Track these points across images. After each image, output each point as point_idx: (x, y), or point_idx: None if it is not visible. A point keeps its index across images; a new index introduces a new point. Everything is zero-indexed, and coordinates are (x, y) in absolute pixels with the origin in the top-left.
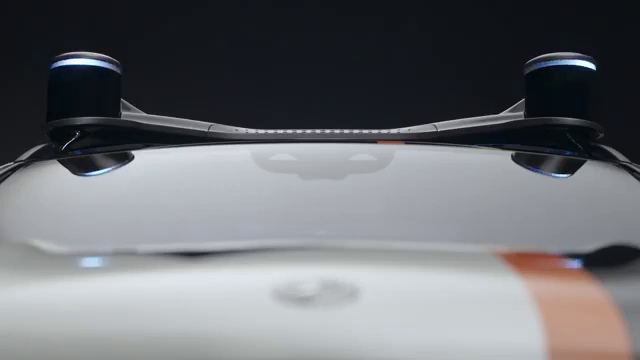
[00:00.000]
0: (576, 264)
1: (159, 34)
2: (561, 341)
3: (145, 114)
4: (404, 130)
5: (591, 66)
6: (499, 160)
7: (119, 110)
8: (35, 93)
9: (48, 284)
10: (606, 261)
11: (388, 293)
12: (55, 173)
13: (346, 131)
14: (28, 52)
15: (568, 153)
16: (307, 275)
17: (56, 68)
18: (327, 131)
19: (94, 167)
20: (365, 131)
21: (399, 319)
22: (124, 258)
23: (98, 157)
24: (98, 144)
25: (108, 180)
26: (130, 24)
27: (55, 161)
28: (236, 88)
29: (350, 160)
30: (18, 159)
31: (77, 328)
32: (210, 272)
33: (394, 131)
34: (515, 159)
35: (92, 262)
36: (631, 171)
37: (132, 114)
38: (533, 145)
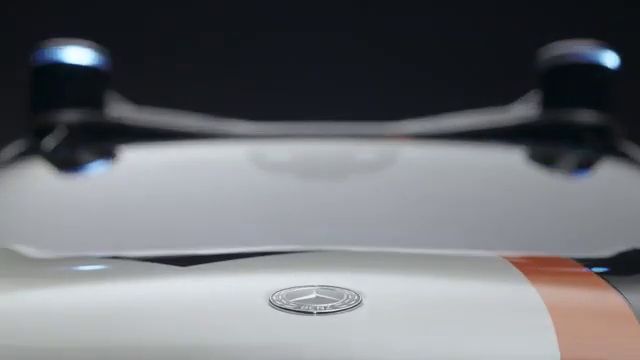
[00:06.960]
0: (594, 270)
1: (155, 27)
2: (577, 351)
3: (135, 108)
4: (413, 125)
5: (613, 59)
6: (512, 159)
7: (106, 103)
8: (17, 87)
9: (30, 290)
10: (625, 267)
11: (393, 300)
12: (40, 173)
13: (351, 127)
14: (11, 47)
15: (586, 152)
16: (308, 281)
17: (38, 60)
18: (330, 127)
19: (80, 167)
20: (372, 127)
21: (406, 327)
22: (113, 263)
23: (84, 156)
24: (84, 140)
25: (95, 181)
26: (127, 19)
27: (40, 160)
28: (234, 82)
29: (355, 158)
30: (0, 158)
31: (60, 337)
32: (207, 278)
33: (403, 127)
34: (529, 158)
35: (80, 267)
36: None
37: (121, 108)
38: (548, 142)
